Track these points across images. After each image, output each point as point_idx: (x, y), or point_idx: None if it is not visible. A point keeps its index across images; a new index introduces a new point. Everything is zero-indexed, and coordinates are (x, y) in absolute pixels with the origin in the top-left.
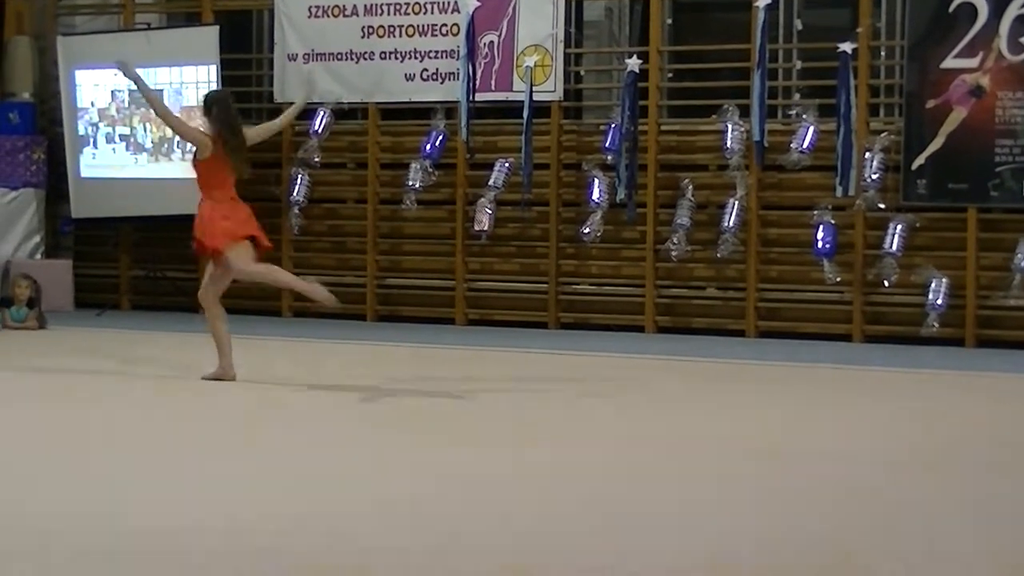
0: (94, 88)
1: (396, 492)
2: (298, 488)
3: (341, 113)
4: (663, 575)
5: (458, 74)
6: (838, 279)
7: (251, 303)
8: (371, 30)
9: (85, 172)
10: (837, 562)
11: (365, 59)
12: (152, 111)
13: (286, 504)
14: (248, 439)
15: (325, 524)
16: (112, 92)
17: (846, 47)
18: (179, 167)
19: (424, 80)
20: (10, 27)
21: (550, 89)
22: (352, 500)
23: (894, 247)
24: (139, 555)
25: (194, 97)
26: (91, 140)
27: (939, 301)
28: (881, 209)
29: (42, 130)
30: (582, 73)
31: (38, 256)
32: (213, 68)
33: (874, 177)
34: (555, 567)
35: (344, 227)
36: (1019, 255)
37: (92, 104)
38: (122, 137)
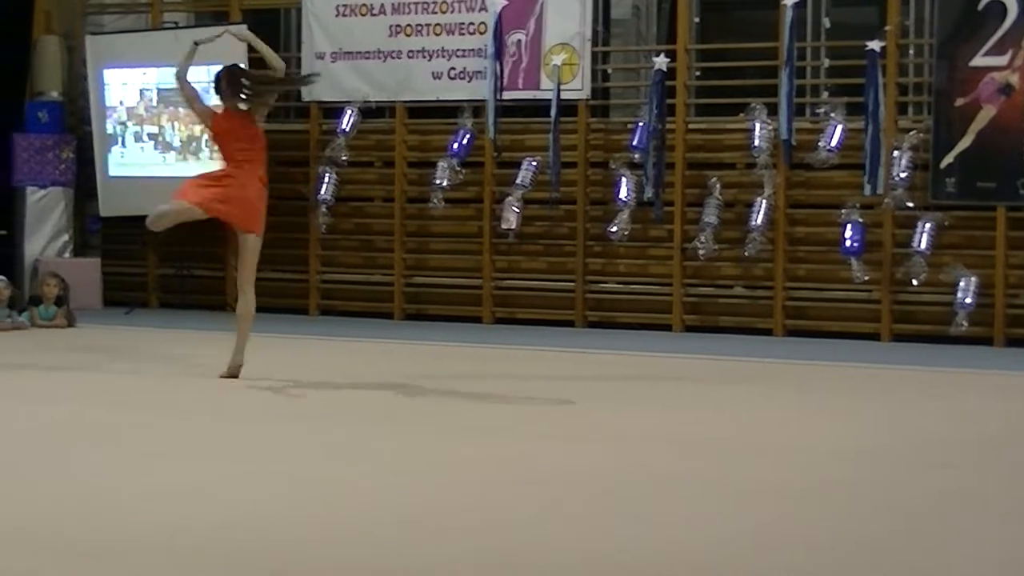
0: (122, 87)
1: (419, 492)
2: (322, 487)
3: (368, 112)
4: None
5: (485, 73)
6: (866, 278)
7: (279, 301)
8: (398, 29)
9: (113, 171)
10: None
11: (392, 58)
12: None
13: (310, 503)
14: (271, 438)
15: (354, 525)
16: (140, 91)
17: (874, 45)
18: (207, 165)
19: (451, 79)
20: (39, 26)
21: (578, 87)
22: (381, 501)
23: (922, 246)
24: (177, 550)
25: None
26: (119, 139)
27: (968, 300)
28: (909, 208)
29: (71, 129)
30: (609, 71)
31: (67, 254)
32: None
33: (902, 175)
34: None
35: (371, 226)
36: None
37: (120, 103)
38: (150, 136)
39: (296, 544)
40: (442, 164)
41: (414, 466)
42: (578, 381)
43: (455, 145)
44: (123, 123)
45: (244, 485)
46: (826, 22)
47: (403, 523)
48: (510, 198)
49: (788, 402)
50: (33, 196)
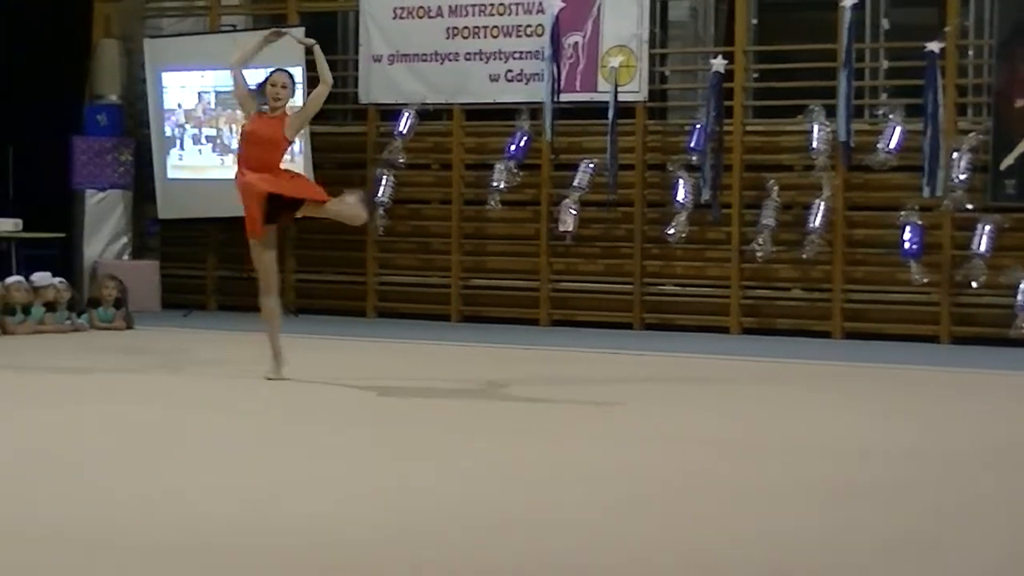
0: (181, 90)
1: (480, 493)
2: (386, 489)
3: (425, 114)
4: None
5: (542, 75)
6: (925, 280)
7: (336, 303)
8: (455, 31)
9: (172, 173)
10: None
11: (449, 60)
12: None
13: (376, 504)
14: (333, 440)
15: (419, 525)
16: (199, 94)
17: (933, 46)
18: None
19: (508, 81)
20: (98, 30)
21: (635, 90)
22: (443, 502)
23: (982, 248)
24: (247, 551)
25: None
26: (178, 141)
27: None
28: (969, 210)
29: (129, 132)
30: (667, 73)
31: (125, 257)
32: (299, 70)
33: (962, 177)
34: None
35: (428, 228)
36: None
37: (179, 106)
38: (208, 138)
39: (361, 545)
40: (499, 166)
41: (473, 467)
42: (635, 383)
43: (512, 147)
44: (181, 126)
45: (312, 487)
46: (885, 23)
47: (467, 524)
48: (567, 200)
49: (846, 404)
50: (92, 199)
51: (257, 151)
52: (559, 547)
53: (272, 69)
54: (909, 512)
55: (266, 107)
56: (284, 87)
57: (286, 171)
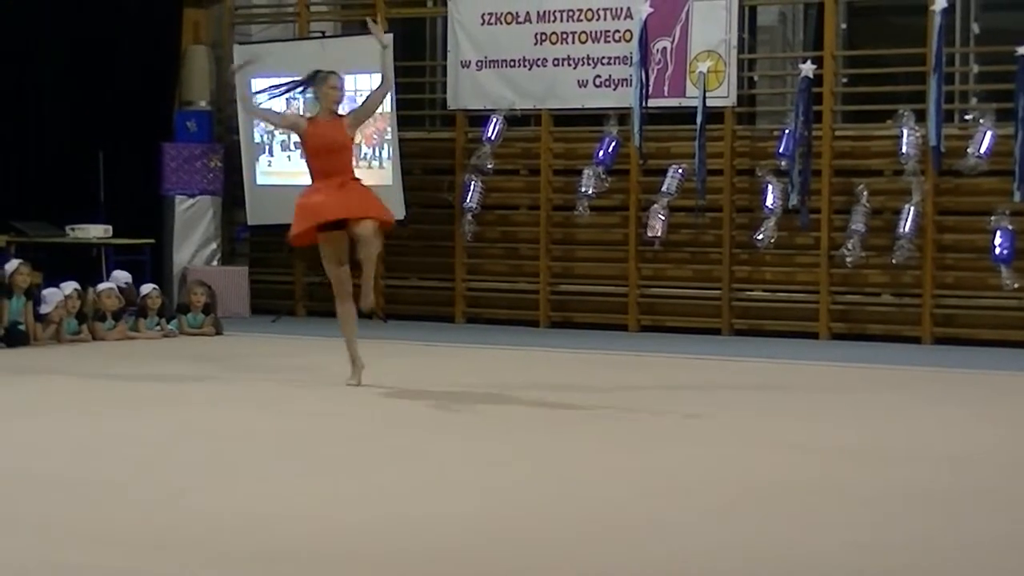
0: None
1: (578, 499)
2: (486, 494)
3: (514, 119)
4: None
5: (631, 80)
6: (1016, 285)
7: (425, 309)
8: (544, 37)
9: (261, 179)
10: None
11: (538, 66)
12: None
13: (477, 510)
14: (422, 446)
15: (524, 531)
16: (287, 100)
17: None
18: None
19: (597, 86)
20: (187, 36)
21: (723, 95)
22: (543, 507)
23: None
24: (358, 558)
25: None
26: (267, 147)
27: None
28: None
29: (219, 138)
30: (756, 78)
31: (215, 263)
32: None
33: None
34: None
35: (517, 233)
36: None
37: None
38: (297, 144)
39: (466, 550)
40: (588, 172)
41: (569, 474)
42: (724, 389)
43: (600, 153)
44: (270, 132)
45: (412, 493)
46: (975, 27)
47: (570, 529)
48: (656, 206)
49: (936, 410)
50: (182, 205)
51: (328, 157)
52: (661, 553)
53: (314, 71)
54: (1017, 518)
55: (312, 112)
56: (340, 89)
57: (356, 180)
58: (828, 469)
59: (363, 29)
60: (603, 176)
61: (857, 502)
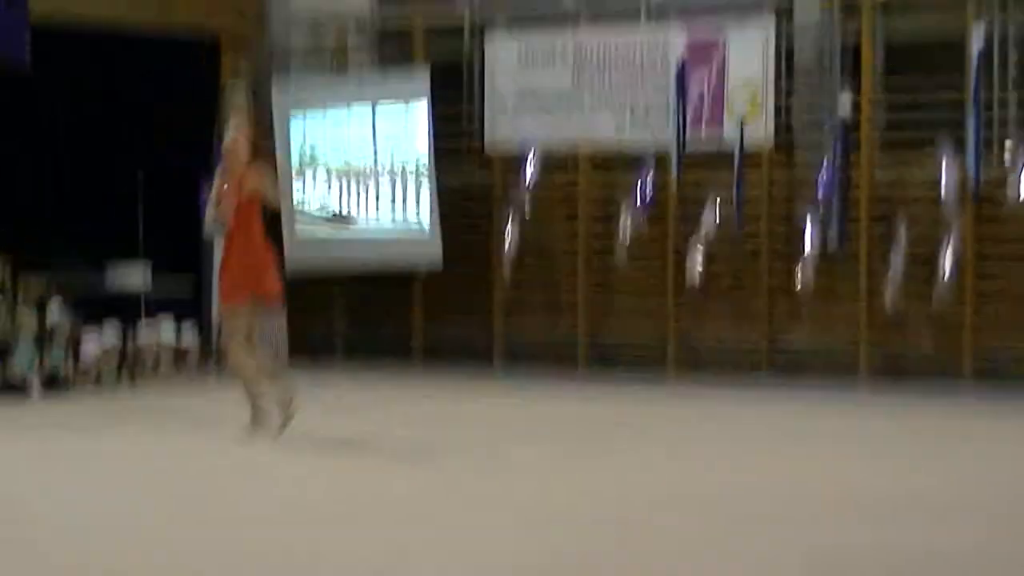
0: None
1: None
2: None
3: (551, 161)
4: None
5: (668, 120)
6: None
7: (463, 352)
8: (581, 76)
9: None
10: None
11: (575, 106)
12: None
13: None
14: (479, 486)
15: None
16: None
17: None
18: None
19: (634, 127)
20: (227, 71)
21: (760, 132)
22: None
23: None
24: None
25: None
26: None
27: None
28: None
29: None
30: (792, 115)
31: None
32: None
33: None
34: None
35: (555, 276)
36: None
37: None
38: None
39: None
40: (625, 214)
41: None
42: (772, 432)
43: (638, 194)
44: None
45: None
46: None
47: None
48: (693, 248)
49: None
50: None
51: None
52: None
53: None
54: None
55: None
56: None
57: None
58: None
59: (400, 68)
60: (641, 218)
61: None
